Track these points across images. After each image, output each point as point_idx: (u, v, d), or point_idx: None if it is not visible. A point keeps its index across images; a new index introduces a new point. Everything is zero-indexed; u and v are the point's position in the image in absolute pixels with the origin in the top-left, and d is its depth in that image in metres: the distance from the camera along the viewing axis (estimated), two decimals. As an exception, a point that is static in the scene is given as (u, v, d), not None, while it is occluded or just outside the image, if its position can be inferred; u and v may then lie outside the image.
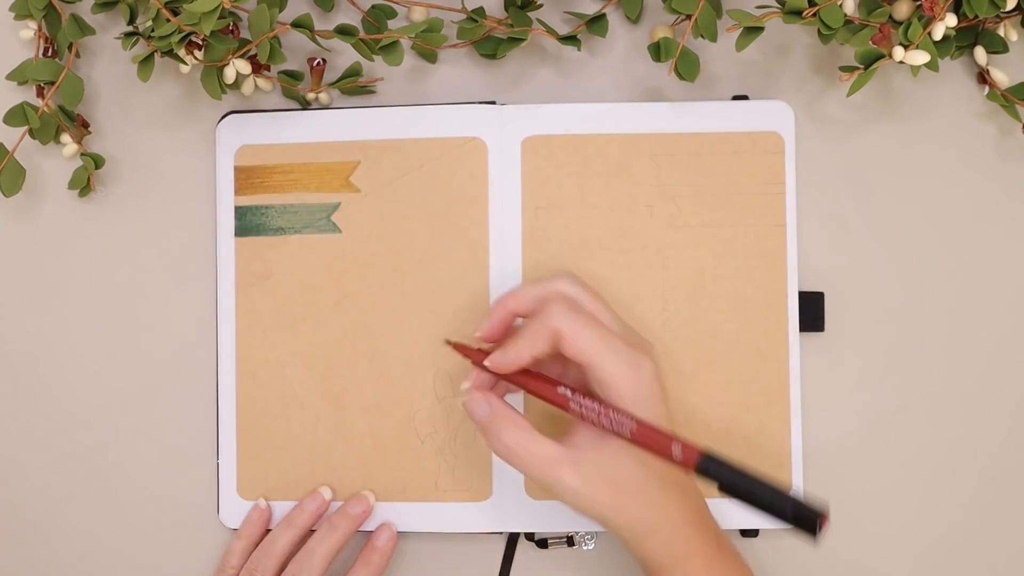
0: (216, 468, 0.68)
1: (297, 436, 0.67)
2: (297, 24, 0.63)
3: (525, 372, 0.57)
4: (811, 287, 0.67)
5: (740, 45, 0.61)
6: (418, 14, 0.67)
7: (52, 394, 0.69)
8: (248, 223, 0.67)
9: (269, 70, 0.67)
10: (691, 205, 0.66)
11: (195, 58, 0.63)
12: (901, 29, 0.61)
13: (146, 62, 0.62)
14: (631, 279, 0.66)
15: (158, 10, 0.60)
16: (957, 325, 0.67)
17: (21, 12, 0.67)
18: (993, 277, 0.67)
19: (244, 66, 0.64)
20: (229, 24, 0.63)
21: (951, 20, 0.61)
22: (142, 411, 0.69)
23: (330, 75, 0.68)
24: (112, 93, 0.69)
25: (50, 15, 0.67)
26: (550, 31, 0.65)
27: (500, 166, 0.66)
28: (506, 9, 0.67)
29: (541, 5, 0.66)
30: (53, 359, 0.69)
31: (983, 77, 0.67)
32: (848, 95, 0.62)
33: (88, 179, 0.67)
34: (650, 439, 0.54)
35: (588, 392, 0.56)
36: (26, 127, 0.65)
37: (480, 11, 0.66)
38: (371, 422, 0.67)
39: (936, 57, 0.60)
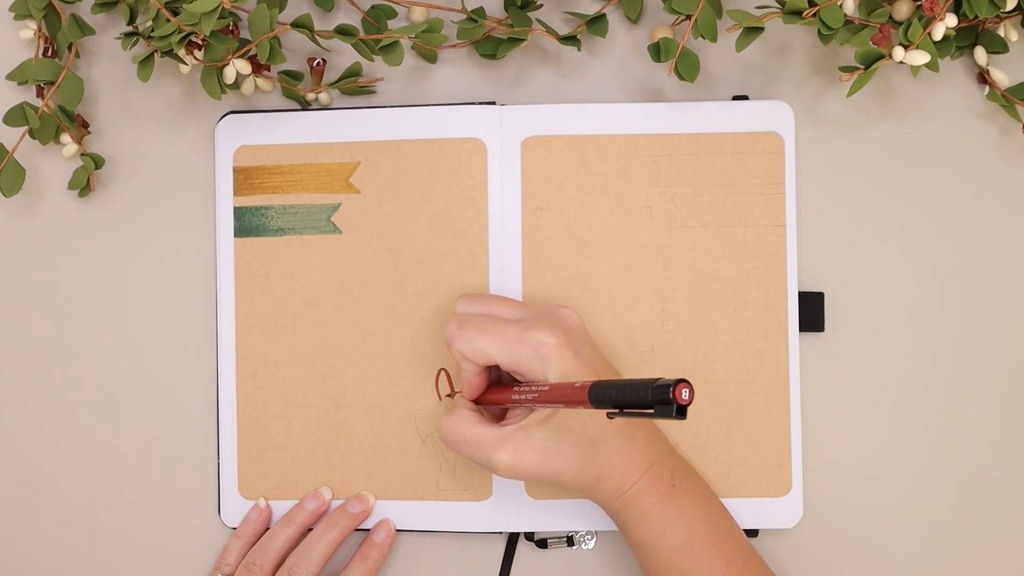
0: (217, 468, 0.68)
1: (298, 436, 0.67)
2: (297, 24, 0.63)
3: (488, 391, 0.62)
4: (811, 287, 0.67)
5: (740, 45, 0.61)
6: (418, 14, 0.67)
7: (52, 394, 0.69)
8: (248, 224, 0.67)
9: (269, 70, 0.67)
10: (691, 205, 0.66)
11: (195, 58, 0.63)
12: (901, 29, 0.61)
13: (146, 62, 0.62)
14: (631, 279, 0.66)
15: (158, 10, 0.60)
16: (957, 325, 0.67)
17: (21, 12, 0.67)
18: (993, 277, 0.67)
19: (244, 66, 0.64)
20: (229, 24, 0.63)
21: (951, 20, 0.61)
22: (143, 411, 0.69)
23: (330, 75, 0.68)
24: (112, 93, 0.69)
25: (50, 15, 0.67)
26: (550, 31, 0.65)
27: (500, 166, 0.66)
28: (506, 9, 0.67)
29: (541, 5, 0.66)
30: (53, 359, 0.69)
31: (983, 77, 0.67)
32: (848, 95, 0.62)
33: (88, 179, 0.67)
34: (556, 395, 0.55)
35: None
36: (26, 127, 0.65)
37: (480, 11, 0.66)
38: (371, 422, 0.67)
39: (936, 57, 0.60)
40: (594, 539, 0.67)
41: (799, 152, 0.67)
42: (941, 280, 0.67)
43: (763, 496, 0.65)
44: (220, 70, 0.64)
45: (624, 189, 0.66)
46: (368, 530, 0.67)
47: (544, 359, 0.58)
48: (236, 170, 0.67)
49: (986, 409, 0.67)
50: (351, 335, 0.67)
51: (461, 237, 0.66)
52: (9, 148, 0.65)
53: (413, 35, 0.63)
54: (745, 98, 0.67)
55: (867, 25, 0.61)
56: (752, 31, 0.61)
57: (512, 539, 0.68)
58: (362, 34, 0.63)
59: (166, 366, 0.69)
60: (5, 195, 0.65)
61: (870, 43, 0.61)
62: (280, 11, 0.65)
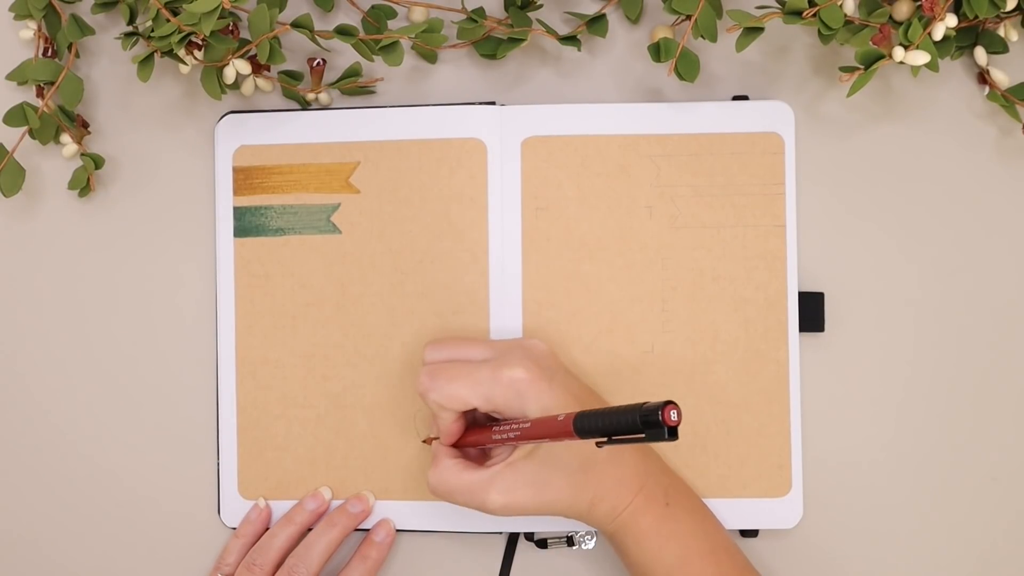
0: (217, 468, 0.68)
1: (297, 436, 0.67)
2: (297, 24, 0.63)
3: (467, 434, 0.62)
4: (811, 287, 0.67)
5: (740, 45, 0.61)
6: (418, 14, 0.67)
7: (52, 394, 0.69)
8: (247, 224, 0.67)
9: (269, 70, 0.67)
10: (691, 206, 0.66)
11: (195, 58, 0.63)
12: (901, 29, 0.61)
13: (146, 62, 0.62)
14: (631, 280, 0.66)
15: (158, 10, 0.60)
16: (957, 325, 0.67)
17: (21, 12, 0.67)
18: (993, 277, 0.67)
19: (244, 66, 0.64)
20: (229, 24, 0.63)
21: (951, 20, 0.61)
22: (142, 411, 0.69)
23: (330, 75, 0.68)
24: (112, 93, 0.69)
25: (50, 15, 0.67)
26: (550, 31, 0.65)
27: (500, 167, 0.66)
28: (506, 9, 0.67)
29: (541, 5, 0.66)
30: (53, 359, 0.69)
31: (983, 77, 0.67)
32: (848, 95, 0.62)
33: (88, 179, 0.67)
34: (540, 430, 0.55)
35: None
36: (26, 127, 0.65)
37: (480, 11, 0.66)
38: (371, 422, 0.67)
39: (936, 57, 0.60)
40: (594, 539, 0.67)
41: (799, 152, 0.67)
42: (941, 280, 0.67)
43: (763, 496, 0.65)
44: (220, 70, 0.64)
45: (624, 189, 0.66)
46: (368, 530, 0.67)
47: (520, 394, 0.58)
48: (236, 170, 0.67)
49: (986, 409, 0.67)
50: (351, 335, 0.67)
51: (461, 237, 0.66)
52: (9, 148, 0.65)
53: (413, 35, 0.63)
54: (745, 98, 0.67)
55: (867, 25, 0.61)
56: (752, 31, 0.61)
57: (512, 539, 0.68)
58: (362, 34, 0.63)
59: (166, 366, 0.69)
60: (5, 195, 0.65)
61: (870, 43, 0.61)
62: (280, 11, 0.65)
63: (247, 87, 0.67)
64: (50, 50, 0.67)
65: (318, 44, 0.64)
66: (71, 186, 0.68)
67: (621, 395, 0.65)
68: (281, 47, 0.64)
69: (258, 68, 0.66)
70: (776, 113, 0.66)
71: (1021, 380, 0.67)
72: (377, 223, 0.67)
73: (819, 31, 0.60)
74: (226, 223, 0.67)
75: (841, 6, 0.60)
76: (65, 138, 0.67)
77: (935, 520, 0.67)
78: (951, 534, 0.67)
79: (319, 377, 0.67)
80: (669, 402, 0.48)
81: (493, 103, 0.67)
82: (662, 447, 0.65)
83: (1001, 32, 0.65)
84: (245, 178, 0.67)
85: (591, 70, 0.68)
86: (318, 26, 0.67)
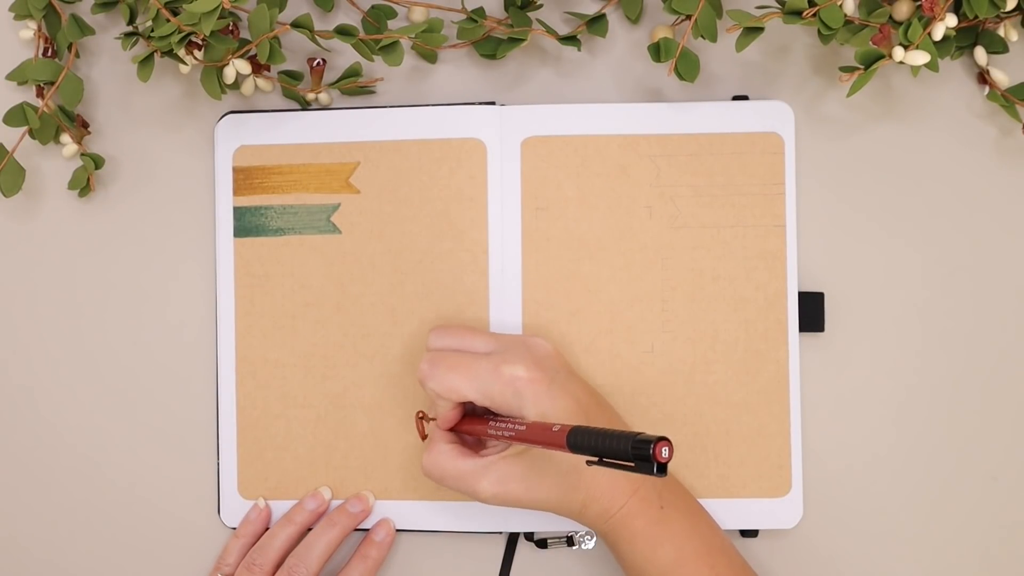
0: (217, 468, 0.68)
1: (297, 436, 0.67)
2: (297, 24, 0.63)
3: (464, 421, 0.62)
4: (811, 287, 0.67)
5: (740, 45, 0.61)
6: (418, 14, 0.67)
7: (52, 394, 0.69)
8: (247, 224, 0.67)
9: (269, 70, 0.67)
10: (690, 206, 0.66)
11: (195, 58, 0.63)
12: (901, 29, 0.61)
13: (146, 62, 0.62)
14: (630, 280, 0.66)
15: (158, 10, 0.60)
16: (957, 325, 0.67)
17: (21, 12, 0.67)
18: (993, 277, 0.67)
19: (244, 66, 0.64)
20: (229, 24, 0.63)
21: (951, 20, 0.61)
22: (142, 411, 0.69)
23: (330, 75, 0.68)
24: (112, 93, 0.69)
25: (50, 15, 0.67)
26: (550, 31, 0.65)
27: (500, 166, 0.66)
28: (506, 9, 0.67)
29: (541, 5, 0.66)
30: (53, 359, 0.69)
31: (983, 77, 0.67)
32: (848, 95, 0.62)
33: (88, 179, 0.67)
34: (534, 435, 0.55)
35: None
36: (26, 127, 0.65)
37: (480, 11, 0.66)
38: (371, 422, 0.67)
39: (936, 57, 0.60)
40: (594, 539, 0.67)
41: (799, 152, 0.67)
42: (941, 280, 0.67)
43: (763, 496, 0.65)
44: (220, 70, 0.64)
45: (624, 189, 0.66)
46: (368, 530, 0.67)
47: (518, 394, 0.58)
48: (236, 170, 0.67)
49: (986, 409, 0.67)
50: (351, 335, 0.67)
51: (461, 237, 0.66)
52: (9, 148, 0.65)
53: (413, 35, 0.63)
54: (745, 98, 0.67)
55: (867, 25, 0.61)
56: (752, 31, 0.61)
57: (512, 539, 0.68)
58: (362, 34, 0.63)
59: (166, 366, 0.69)
60: (5, 195, 0.65)
61: (870, 43, 0.61)
62: (280, 11, 0.65)
63: (247, 87, 0.67)
64: (50, 50, 0.67)
65: (318, 44, 0.64)
66: (71, 186, 0.68)
67: (621, 395, 0.65)
68: (281, 47, 0.64)
69: (258, 68, 0.66)
70: (776, 113, 0.66)
71: (1022, 380, 0.67)
72: (377, 223, 0.67)
73: (819, 31, 0.60)
74: (226, 223, 0.67)
75: (841, 6, 0.60)
76: (65, 138, 0.67)
77: (935, 520, 0.67)
78: (951, 534, 0.67)
79: (319, 377, 0.67)
80: (663, 438, 0.48)
81: (493, 103, 0.67)
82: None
83: (1001, 32, 0.65)
84: (245, 178, 0.67)
85: (591, 70, 0.68)
86: (318, 26, 0.67)
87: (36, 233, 0.70)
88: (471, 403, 0.61)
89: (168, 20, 0.59)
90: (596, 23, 0.65)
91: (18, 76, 0.67)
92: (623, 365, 0.66)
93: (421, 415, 0.65)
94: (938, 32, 0.61)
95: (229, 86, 0.65)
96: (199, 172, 0.69)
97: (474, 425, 0.61)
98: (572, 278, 0.66)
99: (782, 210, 0.66)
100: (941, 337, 0.67)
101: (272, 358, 0.67)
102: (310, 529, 0.66)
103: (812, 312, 0.66)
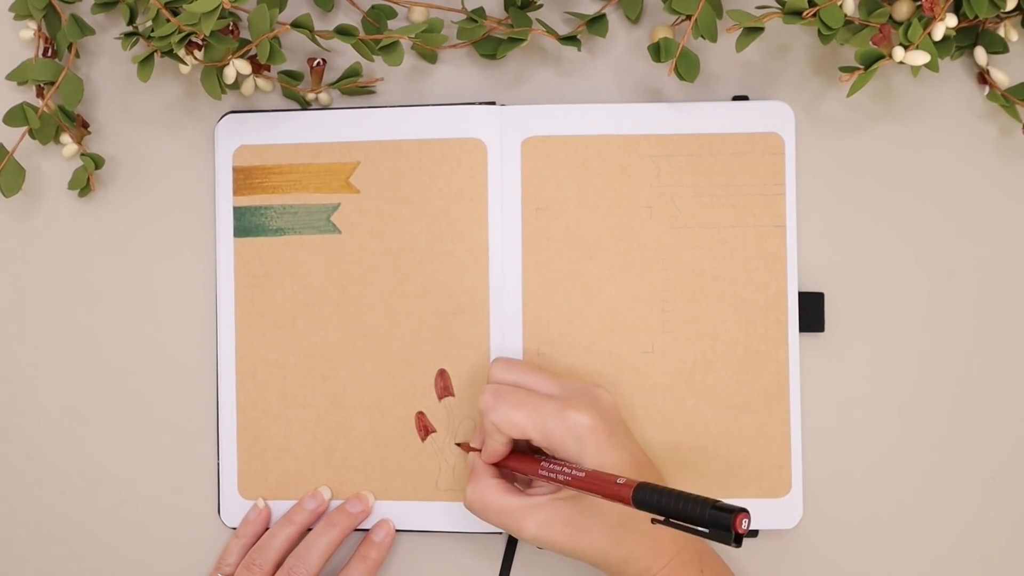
0: (216, 468, 0.68)
1: (297, 436, 0.67)
2: (297, 24, 0.63)
3: (509, 457, 0.62)
4: (811, 287, 0.67)
5: (740, 45, 0.61)
6: (418, 14, 0.67)
7: (52, 394, 0.69)
8: (247, 224, 0.67)
9: (269, 70, 0.67)
10: (691, 206, 0.66)
11: (195, 58, 0.63)
12: (901, 29, 0.61)
13: (146, 62, 0.62)
14: (631, 280, 0.66)
15: (158, 10, 0.60)
16: (957, 325, 0.67)
17: (21, 12, 0.67)
18: (993, 277, 0.67)
19: (244, 66, 0.64)
20: (229, 24, 0.63)
21: (951, 20, 0.61)
22: (142, 411, 0.69)
23: (330, 75, 0.68)
24: (112, 93, 0.69)
25: (50, 15, 0.67)
26: (550, 31, 0.65)
27: (500, 166, 0.66)
28: (506, 9, 0.67)
29: (541, 5, 0.66)
30: (53, 358, 0.69)
31: (983, 77, 0.67)
32: (848, 95, 0.62)
33: (88, 179, 0.67)
34: (593, 484, 0.55)
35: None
36: (26, 127, 0.65)
37: (480, 11, 0.66)
38: (371, 422, 0.67)
39: (936, 57, 0.60)
40: (594, 539, 0.67)
41: (799, 152, 0.67)
42: (941, 280, 0.67)
43: (763, 497, 0.65)
44: (220, 70, 0.64)
45: (624, 189, 0.66)
46: (367, 530, 0.67)
47: (580, 440, 0.58)
48: (236, 170, 0.67)
49: (986, 409, 0.67)
50: (351, 335, 0.67)
51: (461, 237, 0.66)
52: (9, 148, 0.65)
53: (413, 35, 0.63)
54: (745, 98, 0.67)
55: (867, 25, 0.61)
56: (752, 31, 0.61)
57: (512, 539, 0.68)
58: (362, 34, 0.63)
59: (166, 366, 0.69)
60: (5, 195, 0.65)
61: (870, 43, 0.61)
62: (280, 11, 0.65)
63: (247, 87, 0.67)
64: (50, 50, 0.67)
65: (318, 44, 0.64)
66: (71, 186, 0.68)
67: (621, 395, 0.65)
68: (281, 47, 0.64)
69: (258, 68, 0.66)
70: (776, 113, 0.66)
71: (1022, 380, 0.67)
72: (377, 223, 0.67)
73: (819, 31, 0.60)
74: (226, 223, 0.67)
75: (841, 6, 0.60)
76: (65, 138, 0.67)
77: (935, 520, 0.67)
78: (951, 534, 0.67)
79: (319, 377, 0.67)
80: (743, 510, 0.48)
81: (493, 103, 0.67)
82: (669, 433, 0.65)
83: (1001, 32, 0.65)
84: (245, 178, 0.67)
85: (591, 70, 0.68)
86: (318, 26, 0.67)
87: (36, 233, 0.70)
88: (523, 441, 0.61)
89: (168, 20, 0.59)
90: (596, 23, 0.65)
91: (18, 76, 0.67)
92: (623, 365, 0.66)
93: (466, 448, 0.65)
94: (938, 32, 0.61)
95: (229, 86, 0.65)
96: (199, 172, 0.69)
97: (521, 463, 0.61)
98: (572, 278, 0.66)
99: (782, 210, 0.66)
100: (941, 337, 0.67)
101: (272, 358, 0.67)
102: (310, 529, 0.66)
103: (812, 312, 0.66)
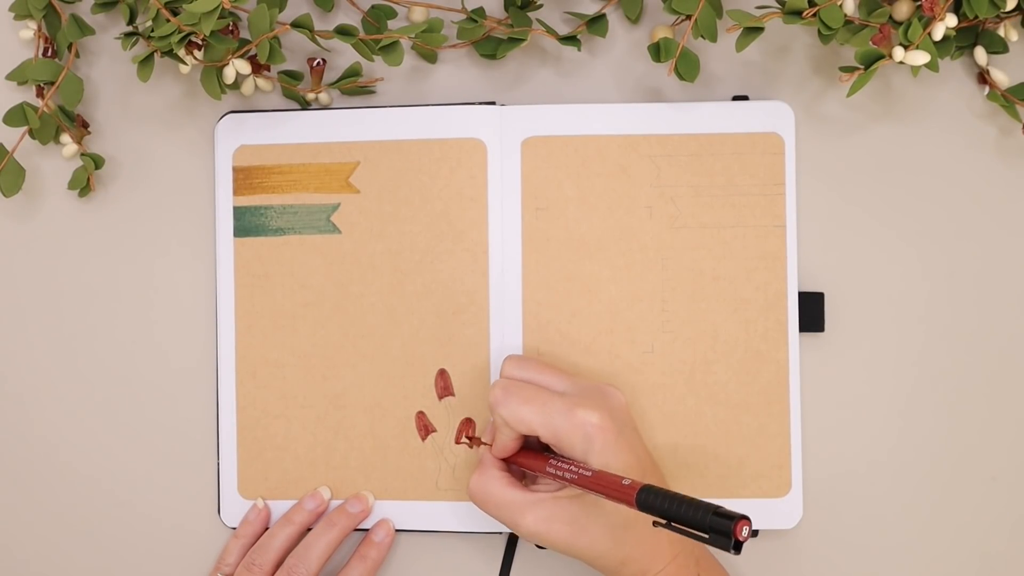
0: (216, 468, 0.68)
1: (297, 436, 0.67)
2: (297, 24, 0.63)
3: (518, 453, 0.62)
4: (811, 287, 0.67)
5: (740, 45, 0.61)
6: (418, 14, 0.67)
7: (52, 393, 0.69)
8: (247, 224, 0.67)
9: (269, 70, 0.67)
10: (691, 206, 0.66)
11: (195, 58, 0.63)
12: (901, 29, 0.61)
13: (146, 62, 0.62)
14: (631, 280, 0.66)
15: (158, 10, 0.60)
16: (957, 325, 0.67)
17: (21, 12, 0.67)
18: (993, 277, 0.67)
19: (244, 66, 0.64)
20: (229, 24, 0.63)
21: (951, 20, 0.61)
22: (142, 411, 0.69)
23: (330, 75, 0.68)
24: (112, 93, 0.69)
25: (50, 15, 0.67)
26: (550, 31, 0.65)
27: (500, 166, 0.66)
28: (506, 9, 0.67)
29: (541, 5, 0.66)
30: (53, 358, 0.69)
31: (983, 77, 0.67)
32: (848, 95, 0.62)
33: (88, 179, 0.67)
34: (599, 484, 0.55)
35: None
36: (26, 127, 0.65)
37: (480, 11, 0.66)
38: (371, 422, 0.67)
39: (936, 57, 0.60)
40: (594, 539, 0.67)
41: (799, 152, 0.67)
42: (941, 280, 0.67)
43: (763, 496, 0.65)
44: (220, 70, 0.64)
45: (624, 189, 0.66)
46: (367, 530, 0.67)
47: (588, 438, 0.57)
48: (236, 170, 0.67)
49: (986, 409, 0.67)
50: (351, 335, 0.67)
51: (461, 237, 0.66)
52: (9, 148, 0.65)
53: (413, 35, 0.63)
54: (745, 98, 0.67)
55: (867, 25, 0.61)
56: (752, 31, 0.61)
57: (512, 539, 0.68)
58: (362, 34, 0.63)
59: (166, 366, 0.69)
60: (5, 195, 0.65)
61: (870, 43, 0.61)
62: (280, 11, 0.65)
63: (247, 87, 0.67)
64: (50, 50, 0.67)
65: (318, 44, 0.64)
66: (71, 186, 0.68)
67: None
68: (281, 47, 0.64)
69: (258, 68, 0.66)
70: (776, 113, 0.66)
71: (1022, 380, 0.67)
72: (377, 223, 0.67)
73: (819, 31, 0.60)
74: (226, 223, 0.67)
75: (841, 6, 0.60)
76: (65, 138, 0.67)
77: (935, 520, 0.67)
78: (951, 534, 0.67)
79: (319, 377, 0.67)
80: (744, 517, 0.48)
81: (493, 103, 0.67)
82: (668, 434, 0.65)
83: (1001, 32, 0.65)
84: (245, 178, 0.67)
85: (591, 70, 0.68)
86: (318, 26, 0.67)
87: (36, 233, 0.70)
88: (533, 438, 0.61)
89: (168, 20, 0.59)
90: (596, 23, 0.65)
91: (18, 76, 0.67)
92: (623, 365, 0.66)
93: (471, 435, 0.65)
94: (938, 32, 0.61)
95: (229, 86, 0.65)
96: (199, 172, 0.69)
97: (529, 459, 0.61)
98: (572, 278, 0.66)
99: (782, 210, 0.66)
100: (941, 337, 0.67)
101: (272, 358, 0.67)
102: (310, 529, 0.66)
103: (812, 312, 0.66)
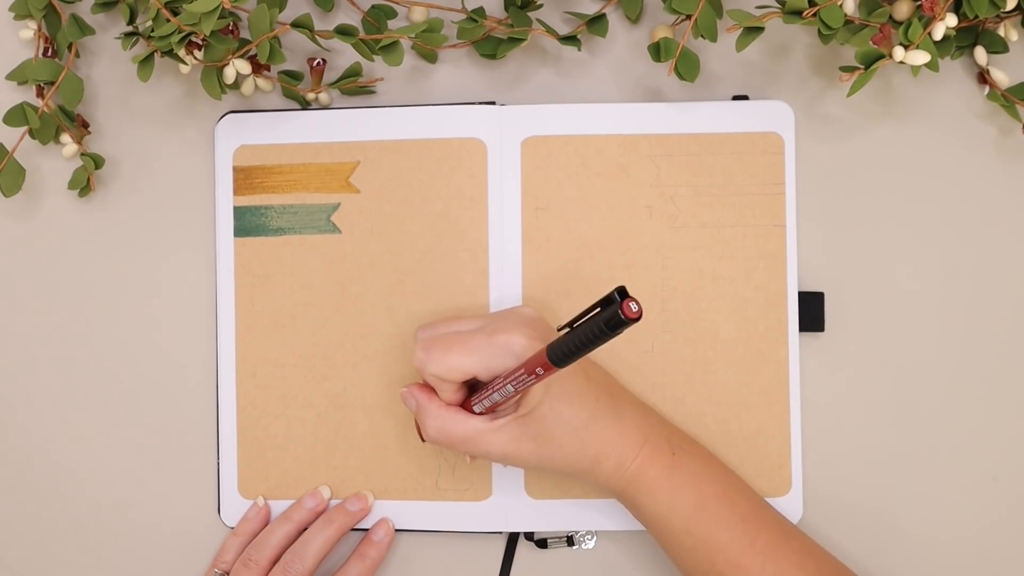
0: (216, 467, 0.68)
1: (297, 436, 0.67)
2: (297, 24, 0.63)
3: (466, 403, 0.60)
4: (811, 287, 0.67)
5: (740, 45, 0.61)
6: (418, 14, 0.67)
7: (52, 393, 0.69)
8: (247, 223, 0.67)
9: (269, 70, 0.67)
10: (691, 206, 0.66)
11: (195, 58, 0.63)
12: (901, 29, 0.61)
13: (146, 62, 0.62)
14: (631, 280, 0.66)
15: (158, 10, 0.60)
16: (957, 325, 0.67)
17: (21, 12, 0.67)
18: (993, 277, 0.67)
19: (244, 66, 0.64)
20: (229, 24, 0.63)
21: (951, 20, 0.61)
22: (142, 411, 0.69)
23: (330, 75, 0.68)
24: (112, 93, 0.69)
25: (50, 15, 0.67)
26: (550, 31, 0.65)
27: (500, 166, 0.66)
28: (506, 9, 0.67)
29: (541, 5, 0.66)
30: (53, 358, 0.69)
31: (983, 77, 0.67)
32: (848, 95, 0.62)
33: (88, 179, 0.67)
34: (527, 368, 0.55)
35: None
36: (26, 127, 0.65)
37: (480, 11, 0.66)
38: (371, 422, 0.67)
39: (936, 57, 0.60)
40: (594, 539, 0.67)
41: (799, 152, 0.67)
42: (941, 280, 0.67)
43: (763, 496, 0.65)
44: (220, 70, 0.64)
45: (624, 189, 0.66)
46: (367, 529, 0.67)
47: (519, 357, 0.57)
48: (236, 170, 0.67)
49: (986, 409, 0.67)
50: (351, 335, 0.67)
51: (461, 237, 0.66)
52: (9, 148, 0.65)
53: (413, 35, 0.63)
54: (745, 98, 0.67)
55: (867, 25, 0.61)
56: (752, 31, 0.61)
57: (512, 539, 0.68)
58: (362, 34, 0.63)
59: (166, 366, 0.69)
60: (5, 195, 0.65)
61: (870, 43, 0.61)
62: (280, 11, 0.65)
63: (247, 87, 0.67)
64: (50, 50, 0.67)
65: (318, 44, 0.64)
66: (71, 186, 0.68)
67: (621, 395, 0.65)
68: (281, 47, 0.64)
69: (258, 68, 0.66)
70: (776, 113, 0.66)
71: (1022, 379, 0.67)
72: (377, 223, 0.67)
73: (819, 31, 0.60)
74: (226, 223, 0.67)
75: (841, 6, 0.60)
76: (65, 138, 0.67)
77: (935, 519, 0.67)
78: (951, 533, 0.67)
79: (319, 377, 0.67)
80: (627, 296, 0.48)
81: (493, 103, 0.67)
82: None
83: (1001, 32, 0.65)
84: (245, 178, 0.67)
85: (591, 70, 0.68)
86: (318, 26, 0.67)
87: (36, 233, 0.70)
88: (470, 386, 0.60)
89: (168, 20, 0.59)
90: (596, 23, 0.65)
91: (18, 76, 0.67)
92: (623, 365, 0.66)
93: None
94: (938, 32, 0.61)
95: (229, 86, 0.65)
96: (199, 172, 0.69)
97: (476, 395, 0.60)
98: (572, 278, 0.66)
99: (782, 210, 0.66)
100: (941, 337, 0.67)
101: (272, 358, 0.67)
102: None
103: (812, 312, 0.66)
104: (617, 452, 0.59)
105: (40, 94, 0.67)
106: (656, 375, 0.66)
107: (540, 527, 0.66)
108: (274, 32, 0.61)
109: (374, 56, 0.63)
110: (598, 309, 0.49)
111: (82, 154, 0.67)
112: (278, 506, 0.67)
